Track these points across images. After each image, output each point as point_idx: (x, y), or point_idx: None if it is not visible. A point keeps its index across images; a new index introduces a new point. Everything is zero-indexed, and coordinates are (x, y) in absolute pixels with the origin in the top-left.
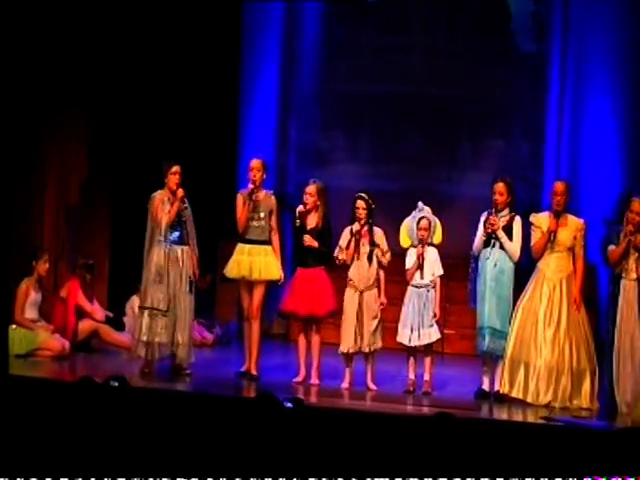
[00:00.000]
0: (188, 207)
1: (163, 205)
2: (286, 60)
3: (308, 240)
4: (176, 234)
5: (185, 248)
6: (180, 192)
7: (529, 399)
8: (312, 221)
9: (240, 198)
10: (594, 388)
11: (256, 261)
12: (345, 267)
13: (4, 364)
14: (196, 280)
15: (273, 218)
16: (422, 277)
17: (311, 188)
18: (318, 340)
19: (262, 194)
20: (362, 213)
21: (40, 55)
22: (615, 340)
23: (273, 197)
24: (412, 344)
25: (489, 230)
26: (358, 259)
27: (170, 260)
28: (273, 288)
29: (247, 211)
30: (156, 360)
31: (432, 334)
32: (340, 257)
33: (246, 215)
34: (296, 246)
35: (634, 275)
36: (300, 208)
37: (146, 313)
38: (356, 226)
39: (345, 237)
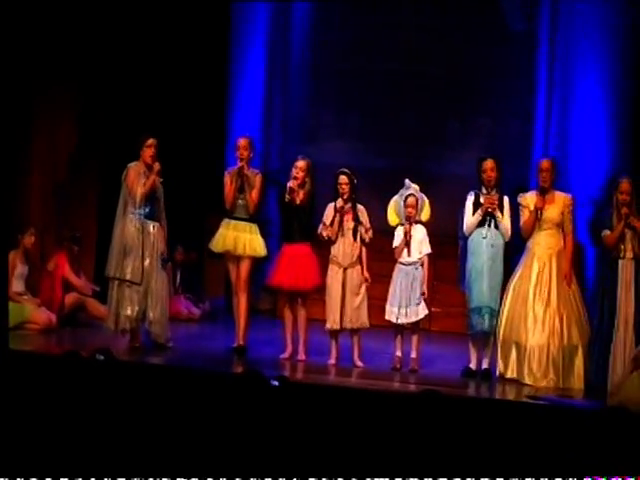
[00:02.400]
0: (161, 182)
1: (138, 177)
2: (275, 36)
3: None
4: (148, 208)
5: (156, 224)
6: (157, 166)
7: (524, 379)
8: (298, 197)
9: (227, 176)
10: (587, 365)
11: (241, 237)
12: (329, 244)
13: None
14: (164, 257)
15: (254, 192)
16: (409, 255)
17: (302, 163)
18: (304, 315)
19: (249, 172)
20: (345, 189)
21: (30, 31)
22: (614, 320)
23: (259, 176)
24: (399, 322)
25: (489, 209)
26: (342, 235)
27: (143, 234)
28: (260, 264)
29: (234, 189)
30: (125, 332)
31: (419, 312)
32: (324, 234)
33: (233, 193)
34: (283, 221)
35: (630, 254)
36: (291, 184)
37: (115, 284)
38: (339, 202)
39: (329, 214)
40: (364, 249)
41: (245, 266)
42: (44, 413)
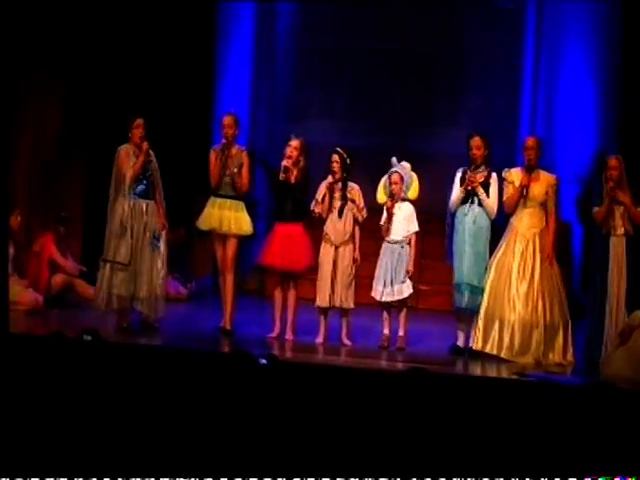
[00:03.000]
0: (154, 160)
1: (128, 158)
2: (262, 14)
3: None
4: (141, 187)
5: (150, 202)
6: (145, 145)
7: (503, 354)
8: (292, 176)
9: (213, 154)
10: (567, 343)
11: (226, 215)
12: (321, 221)
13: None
14: (165, 233)
15: (243, 171)
16: (392, 232)
17: (296, 142)
18: (294, 296)
19: (234, 150)
20: (336, 167)
21: (15, 12)
22: (606, 297)
23: (245, 153)
24: (384, 299)
25: (468, 187)
26: (332, 213)
27: (134, 213)
28: (248, 243)
29: (219, 167)
30: (115, 311)
31: (404, 290)
32: (316, 210)
33: (218, 171)
34: (276, 201)
35: (621, 230)
36: (286, 162)
37: (107, 266)
38: (329, 179)
39: (321, 191)
40: (357, 228)
41: (231, 245)
42: (29, 395)
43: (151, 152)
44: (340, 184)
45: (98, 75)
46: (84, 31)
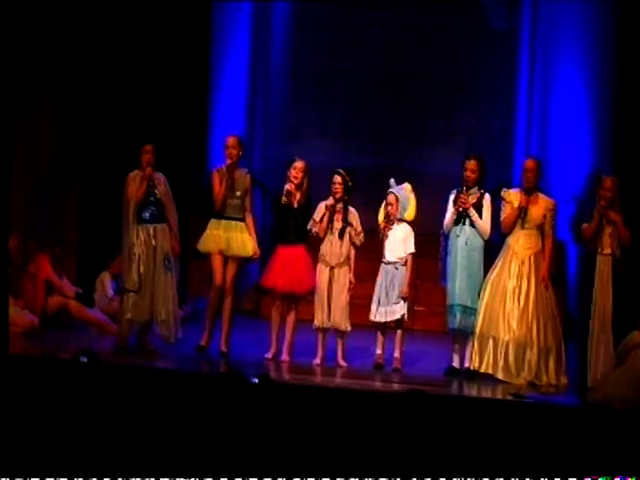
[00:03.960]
0: (162, 185)
1: (134, 184)
2: (256, 36)
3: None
4: (147, 213)
5: (158, 226)
6: (147, 171)
7: (499, 375)
8: (294, 199)
9: (216, 175)
10: (560, 364)
11: (233, 237)
12: (317, 241)
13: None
14: (168, 258)
15: (247, 198)
16: (386, 254)
17: (300, 164)
18: (293, 317)
19: (238, 172)
20: (338, 188)
21: (9, 34)
22: (591, 316)
23: (249, 176)
24: (376, 320)
25: (460, 208)
26: (331, 234)
27: (142, 239)
28: (247, 264)
29: (225, 188)
30: (128, 335)
31: (397, 311)
32: (314, 230)
33: (224, 192)
34: (278, 223)
35: (608, 250)
36: (289, 186)
37: (124, 294)
38: (330, 200)
39: (320, 211)
40: (353, 252)
41: (232, 268)
42: (22, 416)
43: (160, 176)
44: (341, 206)
45: (91, 96)
46: (76, 53)
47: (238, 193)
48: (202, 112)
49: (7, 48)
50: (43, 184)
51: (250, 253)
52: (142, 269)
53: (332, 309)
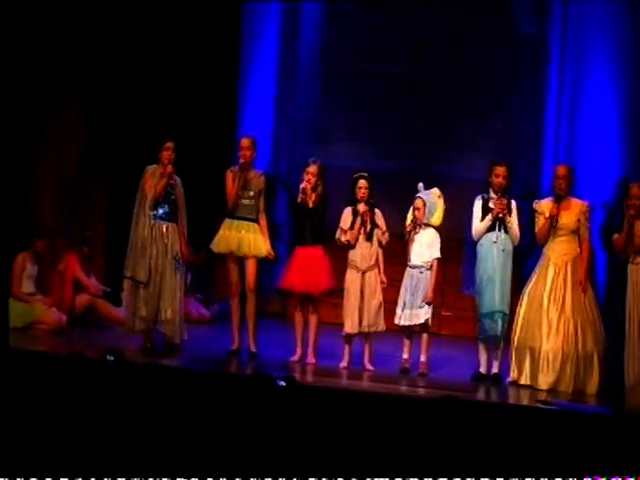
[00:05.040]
0: (179, 185)
1: (153, 179)
2: (285, 39)
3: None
4: (162, 210)
5: (171, 225)
6: (169, 168)
7: (539, 385)
8: (310, 200)
9: (230, 175)
10: (602, 372)
11: (244, 237)
12: (346, 248)
13: (5, 337)
14: (185, 258)
15: (261, 199)
16: (411, 257)
17: (313, 168)
18: (315, 319)
19: (252, 173)
20: (366, 192)
21: (41, 27)
22: (625, 325)
23: (263, 177)
24: (401, 323)
25: (499, 214)
26: (365, 240)
27: (154, 235)
28: (271, 266)
29: (237, 188)
30: (140, 333)
31: (421, 315)
32: (343, 239)
33: (236, 192)
34: (295, 224)
35: None
36: (305, 185)
37: (130, 284)
38: (362, 207)
39: (347, 218)
40: (380, 252)
41: (251, 268)
42: (48, 414)
43: (177, 178)
44: (368, 209)
45: (120, 96)
46: (106, 51)
47: (251, 193)
48: (230, 114)
49: (37, 47)
50: (72, 182)
51: (263, 254)
52: (153, 264)
53: (365, 312)
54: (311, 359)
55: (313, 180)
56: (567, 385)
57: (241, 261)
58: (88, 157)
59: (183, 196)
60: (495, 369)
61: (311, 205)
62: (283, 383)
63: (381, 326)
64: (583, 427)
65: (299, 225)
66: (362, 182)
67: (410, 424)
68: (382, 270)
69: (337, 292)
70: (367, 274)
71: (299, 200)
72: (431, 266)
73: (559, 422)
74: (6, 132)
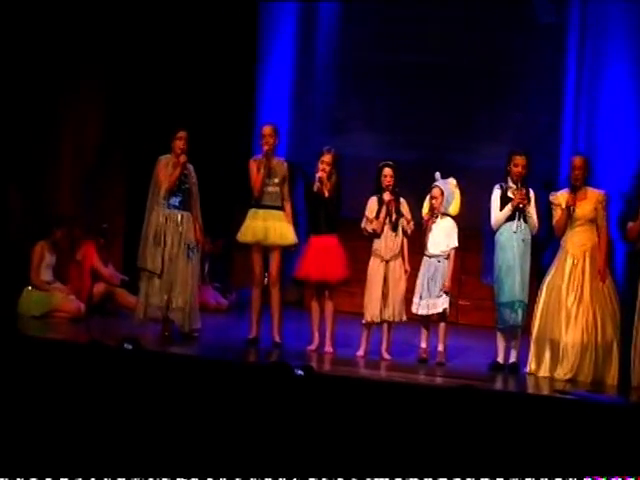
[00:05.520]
0: (192, 174)
1: (166, 169)
2: (303, 28)
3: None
4: (176, 199)
5: (185, 214)
6: (182, 158)
7: (558, 376)
8: (325, 189)
9: (254, 164)
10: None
11: (271, 226)
12: (371, 237)
13: (14, 324)
14: (200, 247)
15: (285, 186)
16: (428, 247)
17: (328, 157)
18: (332, 307)
19: (275, 160)
20: (391, 181)
21: (59, 21)
22: (635, 316)
23: (286, 164)
24: (419, 312)
25: (520, 204)
26: (390, 229)
27: (169, 224)
28: (287, 255)
29: (262, 177)
30: (152, 321)
31: (439, 304)
32: (369, 228)
33: (261, 181)
34: (310, 213)
35: None
36: (321, 174)
37: (144, 275)
38: (387, 196)
39: (372, 207)
40: (405, 241)
41: (276, 258)
42: (66, 402)
43: (190, 166)
44: (393, 198)
45: (138, 84)
46: (123, 41)
47: (276, 180)
48: (247, 103)
49: (56, 36)
50: (90, 171)
51: (291, 241)
52: (167, 254)
53: (389, 302)
54: (329, 348)
55: (328, 169)
56: (586, 376)
57: (265, 251)
58: (106, 146)
59: (197, 184)
60: (513, 358)
61: (327, 195)
62: (301, 372)
63: (403, 316)
64: (599, 417)
65: (314, 214)
66: (387, 170)
67: (428, 413)
68: (407, 259)
69: (353, 281)
70: (391, 263)
71: (315, 189)
72: (449, 255)
73: (576, 412)
74: (24, 122)
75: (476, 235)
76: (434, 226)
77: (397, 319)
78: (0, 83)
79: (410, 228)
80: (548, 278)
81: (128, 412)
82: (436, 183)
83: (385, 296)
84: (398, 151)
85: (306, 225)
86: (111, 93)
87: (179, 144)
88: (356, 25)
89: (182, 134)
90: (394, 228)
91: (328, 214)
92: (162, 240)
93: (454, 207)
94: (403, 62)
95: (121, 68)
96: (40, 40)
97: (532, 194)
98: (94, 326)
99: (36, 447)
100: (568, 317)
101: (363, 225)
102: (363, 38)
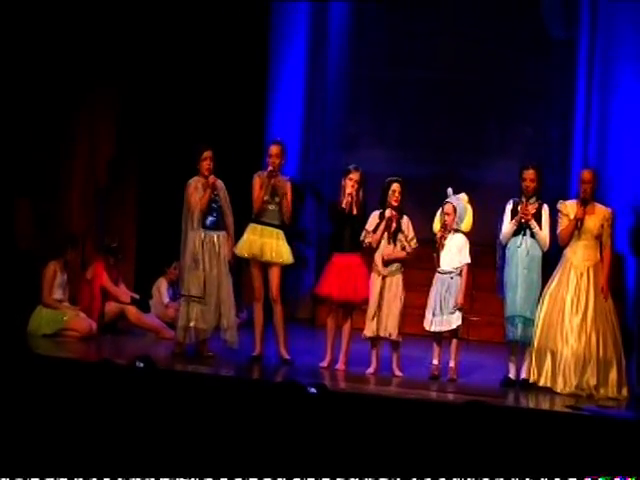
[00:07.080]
0: (223, 191)
1: (197, 192)
2: (314, 43)
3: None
4: (211, 219)
5: (221, 233)
6: (211, 179)
7: (557, 388)
8: (352, 207)
9: (257, 180)
10: (621, 378)
11: (267, 243)
12: (370, 251)
13: (25, 342)
14: (231, 264)
15: (285, 201)
16: (442, 263)
17: (357, 175)
18: (349, 326)
19: (279, 179)
20: (398, 197)
21: (73, 39)
22: None
23: (289, 184)
24: (432, 329)
25: (522, 220)
26: (389, 244)
27: (206, 246)
28: (299, 272)
29: (264, 194)
30: (191, 343)
31: (452, 321)
32: (366, 240)
33: (263, 197)
34: (334, 231)
35: None
36: (351, 191)
37: (187, 300)
38: (389, 212)
39: (373, 221)
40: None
41: (275, 274)
42: (78, 420)
43: (219, 183)
44: (396, 214)
45: (150, 99)
46: (136, 56)
47: (277, 199)
48: (259, 119)
49: (70, 52)
50: (102, 191)
51: (285, 261)
52: (207, 276)
53: (383, 318)
54: (341, 365)
55: (357, 187)
56: (585, 390)
57: (264, 267)
58: (118, 163)
59: (228, 199)
60: (524, 374)
61: (355, 212)
62: (314, 391)
63: (394, 335)
64: (612, 432)
65: (338, 232)
66: (395, 186)
67: (440, 430)
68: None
69: None
70: (388, 279)
71: (344, 204)
72: (461, 271)
73: (589, 427)
74: (37, 139)
75: (487, 251)
76: (446, 242)
77: (390, 337)
78: (14, 100)
79: (410, 247)
80: (551, 288)
81: (140, 431)
82: (448, 199)
83: (379, 311)
84: (409, 167)
85: (319, 241)
86: (123, 111)
87: (205, 165)
88: (367, 41)
89: (207, 154)
90: (394, 243)
91: (354, 232)
92: (201, 263)
93: (466, 223)
94: (414, 78)
95: (134, 85)
96: (54, 57)
97: (545, 209)
98: (106, 345)
99: (48, 466)
100: (571, 331)
101: (362, 237)
102: (374, 54)
